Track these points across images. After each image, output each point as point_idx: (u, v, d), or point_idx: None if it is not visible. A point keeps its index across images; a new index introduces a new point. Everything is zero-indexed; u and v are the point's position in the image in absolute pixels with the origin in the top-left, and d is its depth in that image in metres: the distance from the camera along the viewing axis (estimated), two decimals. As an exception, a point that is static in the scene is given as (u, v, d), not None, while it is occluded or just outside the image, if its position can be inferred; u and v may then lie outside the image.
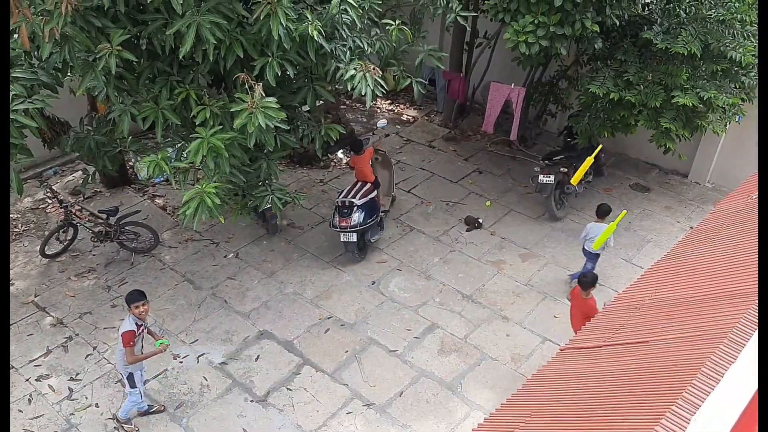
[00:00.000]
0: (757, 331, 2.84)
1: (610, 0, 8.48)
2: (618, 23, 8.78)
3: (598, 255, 8.57)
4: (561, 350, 3.71)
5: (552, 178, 9.70)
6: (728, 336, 2.83)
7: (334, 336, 8.04)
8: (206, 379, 7.43)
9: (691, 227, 9.99)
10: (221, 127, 5.79)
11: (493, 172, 11.40)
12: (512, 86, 10.85)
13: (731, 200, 4.81)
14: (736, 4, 8.99)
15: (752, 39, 8.83)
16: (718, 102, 8.54)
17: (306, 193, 9.26)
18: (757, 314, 2.96)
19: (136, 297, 6.29)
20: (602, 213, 8.44)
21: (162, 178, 10.28)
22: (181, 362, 7.64)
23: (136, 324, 6.27)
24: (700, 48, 8.47)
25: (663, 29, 8.95)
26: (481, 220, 10.05)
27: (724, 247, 4.01)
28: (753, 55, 8.64)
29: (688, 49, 8.35)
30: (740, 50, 8.57)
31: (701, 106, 8.71)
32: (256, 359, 7.70)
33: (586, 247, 8.58)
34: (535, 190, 10.29)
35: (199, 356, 7.72)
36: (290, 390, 7.32)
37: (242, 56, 5.81)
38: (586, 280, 7.12)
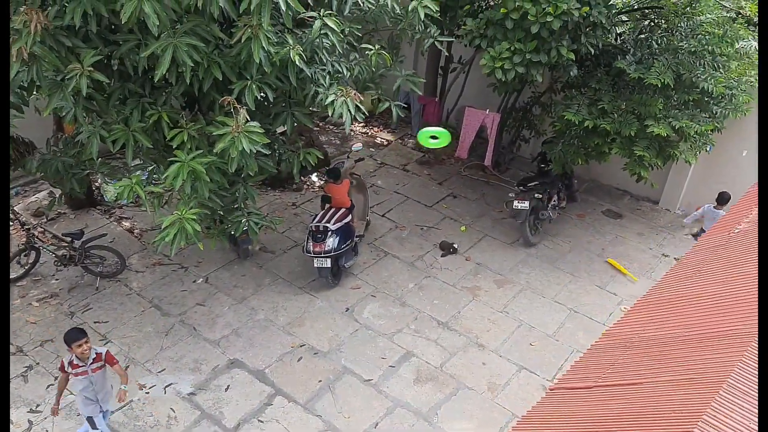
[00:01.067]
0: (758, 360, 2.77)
1: (585, 29, 8.56)
2: (592, 52, 8.86)
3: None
4: (550, 390, 3.61)
5: (527, 204, 9.70)
6: (727, 381, 2.76)
7: (307, 365, 7.84)
8: (174, 411, 7.14)
9: (663, 254, 10.10)
10: (200, 151, 5.62)
11: (468, 197, 11.37)
12: (487, 112, 10.88)
13: (714, 233, 4.81)
14: (707, 36, 9.17)
15: (722, 70, 9.01)
16: (691, 131, 8.65)
17: (281, 218, 9.07)
18: (757, 353, 2.90)
19: (75, 335, 5.85)
20: (723, 200, 9.12)
21: (129, 200, 9.98)
22: (147, 393, 7.34)
23: (75, 363, 5.94)
24: (673, 79, 8.59)
25: (636, 59, 9.07)
26: (456, 245, 9.99)
27: (710, 283, 3.97)
28: (724, 86, 8.79)
29: (662, 80, 8.46)
30: (711, 81, 8.72)
31: (674, 135, 8.82)
32: (226, 389, 7.44)
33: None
34: (509, 216, 10.28)
35: (166, 386, 7.43)
36: (261, 422, 7.07)
37: (220, 79, 5.66)
38: None
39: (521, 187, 9.92)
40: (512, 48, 8.26)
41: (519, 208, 9.76)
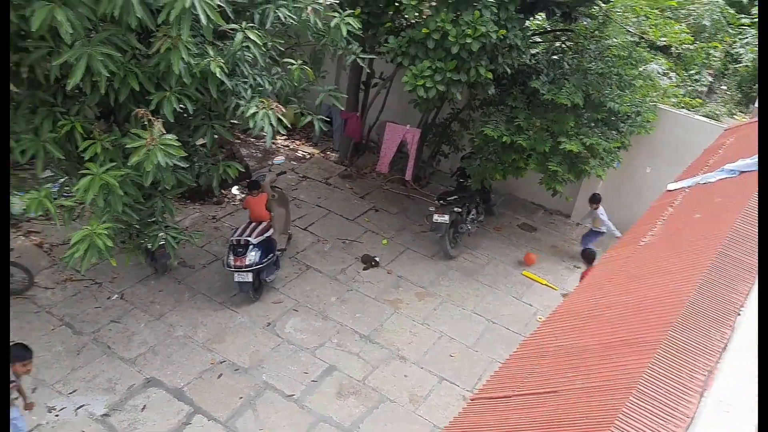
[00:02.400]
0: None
1: (502, 50, 8.87)
2: (509, 72, 9.19)
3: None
4: (471, 400, 3.70)
5: (446, 217, 9.91)
6: (636, 387, 2.92)
7: (228, 381, 7.68)
8: (85, 434, 6.85)
9: (575, 266, 10.52)
10: (114, 163, 5.44)
11: (389, 211, 11.50)
12: (407, 127, 11.06)
13: (622, 246, 5.07)
14: (614, 58, 9.72)
15: (627, 91, 9.56)
16: (600, 148, 9.11)
17: (201, 232, 8.86)
18: (660, 362, 3.09)
19: (23, 353, 5.76)
20: (596, 200, 10.05)
21: (38, 213, 9.52)
22: (56, 416, 6.98)
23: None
24: (582, 98, 9.03)
25: (549, 79, 9.48)
26: (377, 259, 10.07)
27: (618, 294, 4.19)
28: (629, 106, 9.33)
29: (571, 100, 8.88)
30: (618, 101, 9.24)
31: (585, 151, 9.25)
32: (142, 409, 7.19)
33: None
34: (429, 229, 10.47)
35: (77, 408, 7.10)
36: (180, 442, 6.88)
37: (137, 89, 5.52)
38: None
39: (441, 201, 10.13)
40: (433, 67, 8.46)
41: (439, 221, 9.95)
